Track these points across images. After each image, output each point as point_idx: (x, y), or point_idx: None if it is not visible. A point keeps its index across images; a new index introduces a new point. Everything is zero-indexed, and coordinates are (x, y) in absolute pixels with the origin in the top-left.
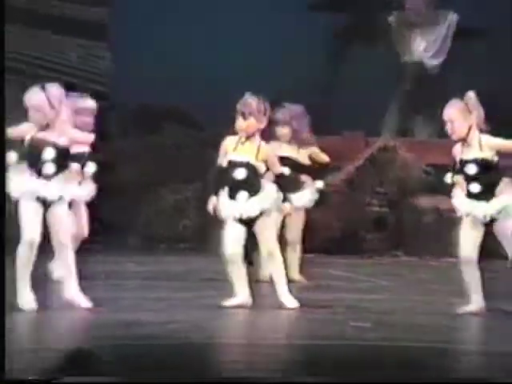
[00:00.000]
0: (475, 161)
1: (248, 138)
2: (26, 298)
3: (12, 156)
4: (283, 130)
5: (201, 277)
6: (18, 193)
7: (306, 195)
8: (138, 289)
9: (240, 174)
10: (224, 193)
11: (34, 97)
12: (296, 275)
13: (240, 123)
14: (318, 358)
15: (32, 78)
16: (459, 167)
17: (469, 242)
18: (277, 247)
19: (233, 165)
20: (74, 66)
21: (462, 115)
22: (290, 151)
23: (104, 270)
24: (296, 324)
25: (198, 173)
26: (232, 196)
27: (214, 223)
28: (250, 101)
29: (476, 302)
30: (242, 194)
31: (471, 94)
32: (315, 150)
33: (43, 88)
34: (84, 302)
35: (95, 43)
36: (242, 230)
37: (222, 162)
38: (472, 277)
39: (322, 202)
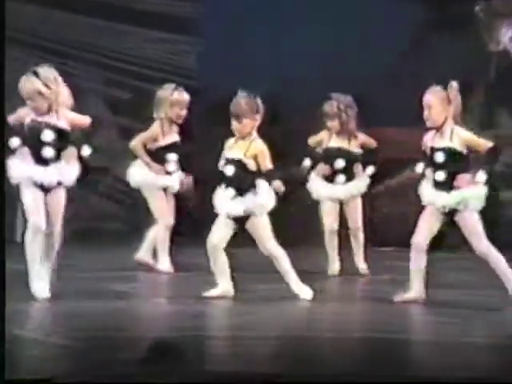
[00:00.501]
0: (444, 149)
1: (244, 137)
2: (37, 285)
3: (14, 141)
4: (332, 123)
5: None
6: (16, 179)
7: (359, 182)
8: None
9: (229, 170)
10: (220, 189)
11: (29, 85)
12: (361, 263)
13: (234, 126)
14: (391, 354)
15: (120, 73)
16: (429, 155)
17: (424, 229)
18: (274, 246)
19: (225, 162)
20: (163, 61)
21: (441, 104)
22: (340, 142)
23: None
24: (374, 317)
25: (283, 165)
26: (222, 191)
27: (311, 216)
28: (240, 101)
29: (415, 290)
30: (229, 192)
31: (454, 85)
32: (363, 137)
33: (35, 73)
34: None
35: (184, 38)
36: (230, 227)
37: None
38: (418, 264)
39: (403, 194)
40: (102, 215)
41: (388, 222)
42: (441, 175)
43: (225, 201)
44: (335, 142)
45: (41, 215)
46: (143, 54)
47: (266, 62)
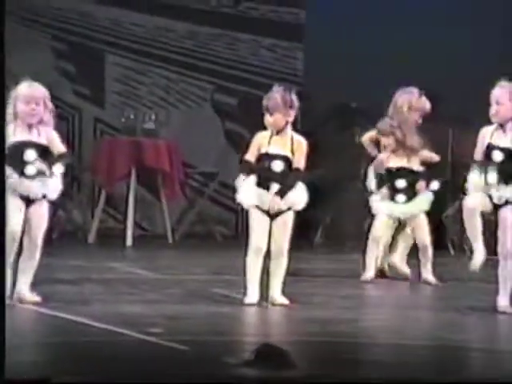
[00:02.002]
0: (504, 149)
1: (278, 132)
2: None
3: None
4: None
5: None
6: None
7: (420, 201)
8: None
9: (277, 166)
10: (252, 184)
11: (38, 89)
12: (430, 277)
13: (267, 119)
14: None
15: (229, 79)
16: (487, 151)
17: None
18: (287, 247)
19: (270, 157)
20: (270, 67)
21: (510, 99)
22: (398, 161)
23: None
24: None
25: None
26: (263, 187)
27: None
28: (275, 95)
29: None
30: (275, 187)
31: None
32: (424, 154)
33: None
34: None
35: (290, 44)
36: (268, 222)
37: (250, 156)
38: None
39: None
40: (209, 219)
41: None
42: (494, 177)
43: (267, 195)
44: (393, 162)
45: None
46: (251, 61)
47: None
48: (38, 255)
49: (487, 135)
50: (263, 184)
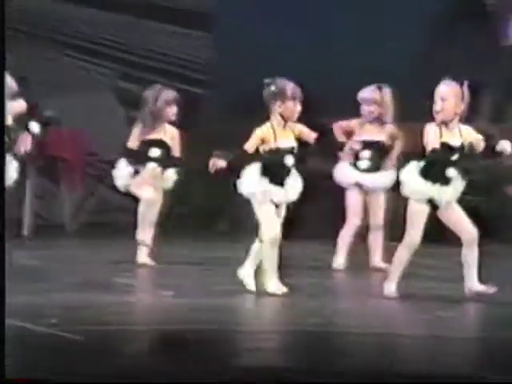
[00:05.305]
0: (458, 148)
1: (285, 124)
2: None
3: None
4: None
5: (288, 263)
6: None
7: (385, 176)
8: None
9: (289, 160)
10: (264, 180)
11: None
12: (380, 263)
13: (291, 108)
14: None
15: (132, 67)
16: (437, 149)
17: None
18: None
19: (281, 152)
20: (178, 55)
21: (455, 97)
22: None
23: (196, 255)
24: (380, 313)
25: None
26: (275, 181)
27: (310, 210)
28: (292, 84)
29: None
30: (289, 179)
31: (467, 84)
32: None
33: None
34: None
35: (197, 32)
36: (276, 213)
37: (250, 146)
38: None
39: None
40: (110, 207)
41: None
42: (453, 172)
43: (280, 189)
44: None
45: None
46: (158, 49)
47: (281, 55)
48: None
49: (435, 133)
50: (275, 178)
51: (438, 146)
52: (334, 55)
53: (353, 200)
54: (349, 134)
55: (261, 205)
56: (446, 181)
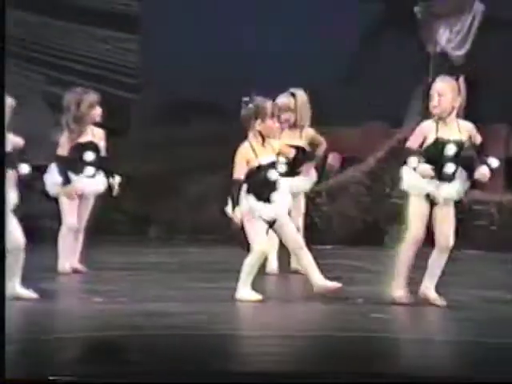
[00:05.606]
0: (455, 142)
1: (263, 141)
2: None
3: None
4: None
5: (223, 268)
6: None
7: (304, 180)
8: (160, 280)
9: (273, 175)
10: (251, 197)
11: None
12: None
13: (274, 125)
14: (335, 350)
15: (60, 71)
16: (432, 145)
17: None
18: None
19: (263, 168)
20: (103, 59)
21: (451, 92)
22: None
23: (126, 261)
24: (314, 315)
25: (223, 164)
26: (262, 198)
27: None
28: (273, 103)
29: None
30: (276, 195)
31: (462, 79)
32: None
33: None
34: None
35: (125, 36)
36: (265, 226)
37: (241, 174)
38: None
39: (343, 193)
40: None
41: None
42: (451, 168)
43: (268, 205)
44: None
45: None
46: (85, 53)
47: (205, 61)
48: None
49: (430, 129)
50: (261, 195)
51: (432, 141)
52: (257, 57)
53: None
54: None
55: (249, 221)
56: (444, 177)
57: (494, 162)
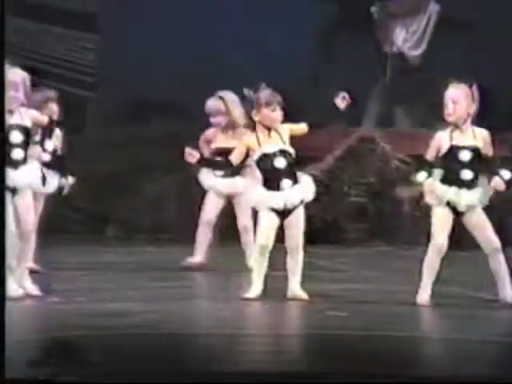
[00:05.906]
0: (470, 148)
1: (269, 131)
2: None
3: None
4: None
5: (180, 267)
6: None
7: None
8: (117, 279)
9: (281, 162)
10: (258, 185)
11: (17, 73)
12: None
13: (272, 114)
14: (295, 348)
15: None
16: (448, 153)
17: (444, 230)
18: (302, 242)
19: (268, 156)
20: (62, 58)
21: (465, 99)
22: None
23: (84, 260)
24: (277, 315)
25: (182, 164)
26: (271, 186)
27: (194, 214)
28: (270, 92)
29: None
30: (286, 182)
31: (476, 86)
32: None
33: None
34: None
35: (83, 34)
36: (276, 221)
37: (236, 156)
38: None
39: None
40: None
41: None
42: (468, 174)
43: (278, 193)
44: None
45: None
46: (41, 51)
47: (164, 60)
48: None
49: (444, 138)
50: (270, 183)
51: (447, 148)
52: (217, 57)
53: (209, 202)
54: (208, 142)
55: (260, 212)
56: (462, 183)
57: (507, 174)
